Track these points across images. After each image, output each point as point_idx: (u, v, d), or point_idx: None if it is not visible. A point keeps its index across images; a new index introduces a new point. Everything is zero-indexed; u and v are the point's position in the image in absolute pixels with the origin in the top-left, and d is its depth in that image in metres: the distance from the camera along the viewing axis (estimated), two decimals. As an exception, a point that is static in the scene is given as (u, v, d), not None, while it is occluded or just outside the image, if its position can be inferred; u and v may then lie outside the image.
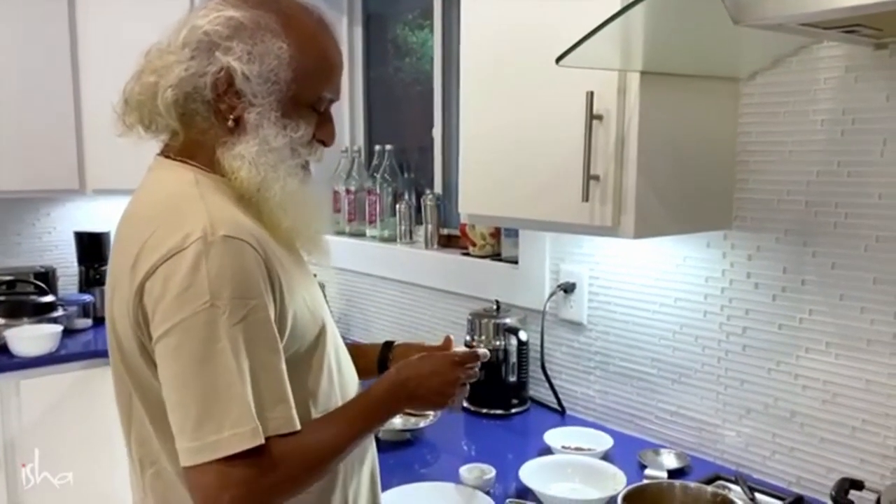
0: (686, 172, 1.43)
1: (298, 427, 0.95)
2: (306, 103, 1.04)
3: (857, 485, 1.30)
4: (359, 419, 1.05)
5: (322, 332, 1.07)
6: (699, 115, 1.44)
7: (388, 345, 1.36)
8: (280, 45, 0.99)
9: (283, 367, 0.96)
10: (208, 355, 0.89)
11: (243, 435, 0.88)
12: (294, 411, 0.95)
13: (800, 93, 1.42)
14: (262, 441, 0.90)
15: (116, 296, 0.99)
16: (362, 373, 1.22)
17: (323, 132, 1.09)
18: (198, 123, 1.01)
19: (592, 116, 1.32)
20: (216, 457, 0.88)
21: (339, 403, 1.09)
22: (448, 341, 1.27)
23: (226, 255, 0.91)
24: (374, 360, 1.34)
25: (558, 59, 1.21)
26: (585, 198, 1.34)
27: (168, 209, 0.97)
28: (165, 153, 1.06)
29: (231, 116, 1.00)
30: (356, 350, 1.24)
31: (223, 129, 1.01)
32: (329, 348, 1.09)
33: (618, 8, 1.10)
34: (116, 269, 1.00)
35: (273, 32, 0.99)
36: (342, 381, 1.12)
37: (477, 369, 1.19)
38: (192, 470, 0.89)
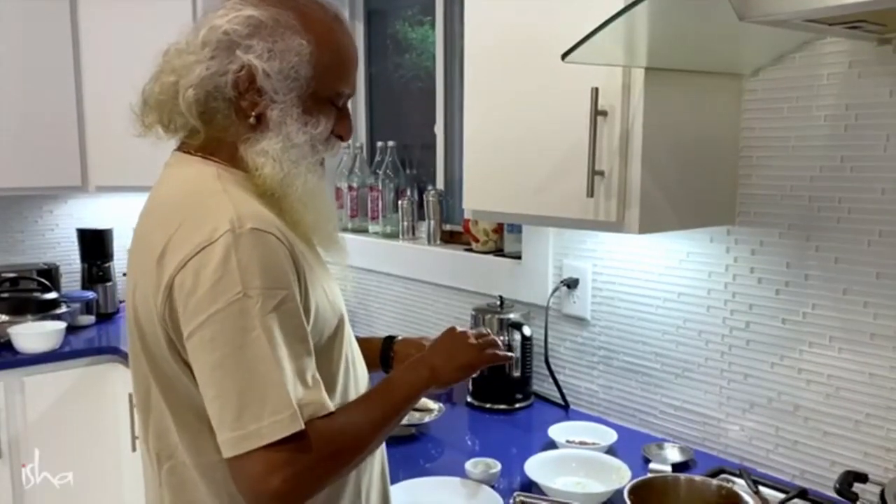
0: (690, 168, 1.44)
1: (332, 409, 0.97)
2: (325, 99, 1.05)
3: (861, 477, 1.31)
4: (388, 398, 1.07)
5: (341, 324, 1.09)
6: (703, 110, 1.44)
7: (390, 339, 1.38)
8: (300, 41, 1.00)
9: (313, 352, 0.97)
10: (243, 344, 0.90)
11: (282, 421, 0.89)
12: (325, 394, 0.97)
13: (803, 88, 1.42)
14: (302, 426, 0.90)
15: (140, 289, 0.99)
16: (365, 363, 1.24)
17: (340, 127, 1.10)
18: (218, 121, 1.02)
19: (597, 112, 1.32)
20: (258, 445, 0.88)
21: (355, 394, 1.11)
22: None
23: (255, 247, 0.92)
24: (376, 351, 1.36)
25: (564, 56, 1.22)
26: (590, 193, 1.35)
27: (193, 203, 0.98)
28: (185, 149, 1.07)
29: (253, 113, 1.01)
30: (358, 342, 1.25)
31: (244, 127, 1.02)
32: (346, 338, 1.11)
33: (623, 4, 1.10)
34: (139, 262, 1.01)
35: (292, 29, 1.00)
36: (355, 373, 1.14)
37: (495, 340, 1.22)
38: (235, 460, 0.90)
